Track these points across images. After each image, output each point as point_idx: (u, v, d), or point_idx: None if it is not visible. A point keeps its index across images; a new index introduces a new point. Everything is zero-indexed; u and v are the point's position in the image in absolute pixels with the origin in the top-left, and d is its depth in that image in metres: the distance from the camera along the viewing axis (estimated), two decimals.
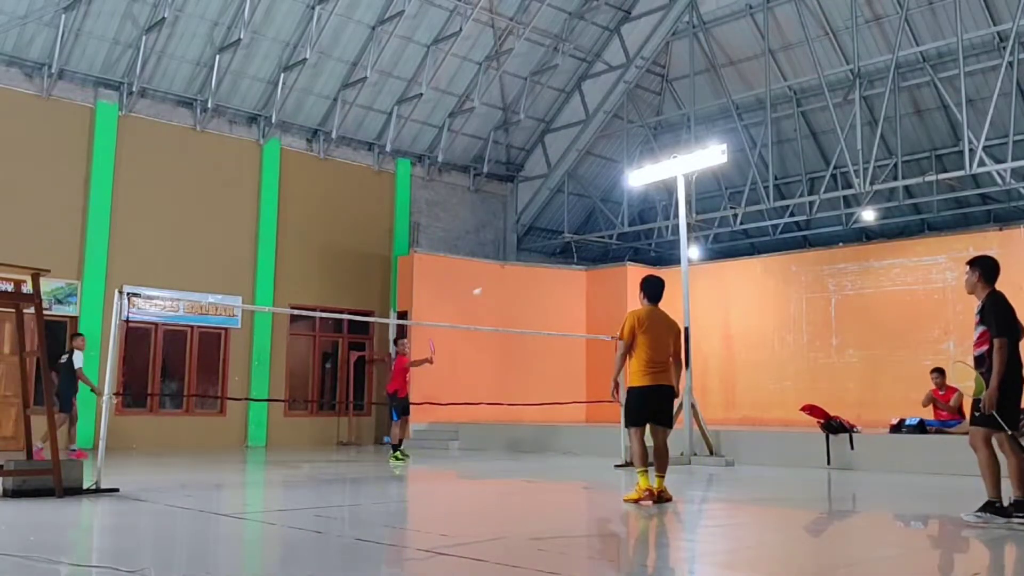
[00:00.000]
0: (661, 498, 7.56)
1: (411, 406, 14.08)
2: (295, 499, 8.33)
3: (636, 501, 7.53)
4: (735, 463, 12.32)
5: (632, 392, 7.86)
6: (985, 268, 6.61)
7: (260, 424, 17.39)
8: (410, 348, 14.27)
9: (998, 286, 6.55)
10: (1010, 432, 6.29)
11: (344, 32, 17.86)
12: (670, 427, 8.01)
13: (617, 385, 8.17)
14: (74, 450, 12.87)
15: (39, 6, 15.08)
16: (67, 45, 15.64)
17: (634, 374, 7.82)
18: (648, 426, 7.91)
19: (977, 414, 6.38)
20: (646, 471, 7.61)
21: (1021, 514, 6.23)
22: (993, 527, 6.11)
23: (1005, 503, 6.30)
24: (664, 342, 7.81)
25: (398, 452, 13.44)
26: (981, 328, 6.48)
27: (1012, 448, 6.32)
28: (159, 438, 15.73)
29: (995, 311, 6.40)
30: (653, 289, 8.03)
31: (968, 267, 6.73)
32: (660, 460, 7.79)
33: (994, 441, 6.37)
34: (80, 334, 13.53)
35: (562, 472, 11.22)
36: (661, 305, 8.05)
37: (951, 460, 11.19)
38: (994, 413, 6.23)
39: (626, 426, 7.91)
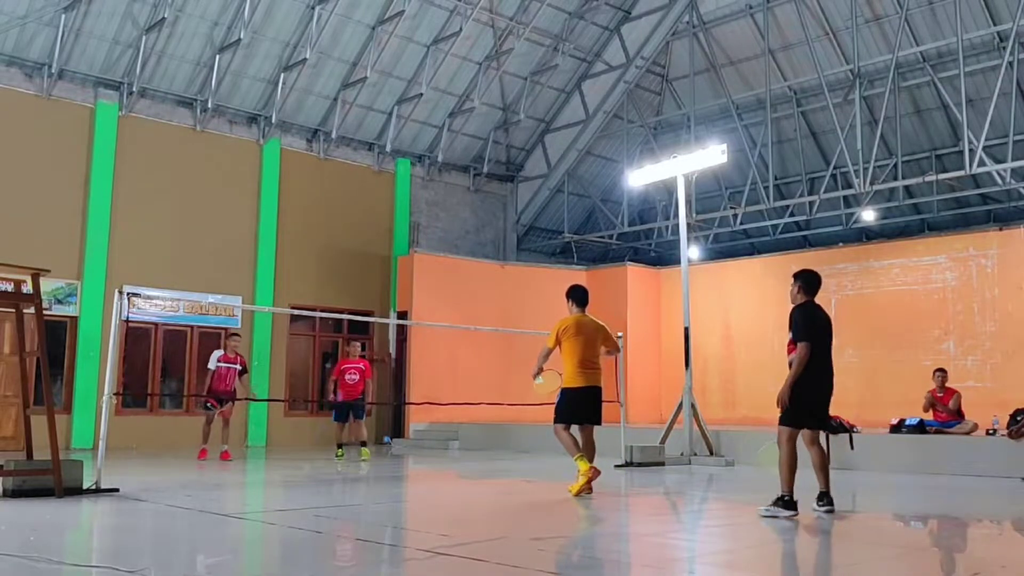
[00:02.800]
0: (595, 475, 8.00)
1: (410, 407, 14.12)
2: (295, 499, 8.32)
3: (588, 482, 7.90)
4: (735, 463, 12.32)
5: (567, 393, 8.34)
6: (806, 282, 7.11)
7: (260, 424, 17.39)
8: (357, 351, 14.27)
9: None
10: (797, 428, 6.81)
11: (344, 32, 17.86)
12: (599, 424, 8.46)
13: (539, 371, 8.65)
14: (223, 449, 12.82)
15: (39, 6, 15.09)
16: (67, 45, 15.64)
17: (569, 376, 8.35)
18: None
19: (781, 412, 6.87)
20: (583, 455, 8.05)
21: (823, 503, 6.80)
22: (782, 519, 6.49)
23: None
24: (593, 343, 8.44)
25: (340, 450, 13.90)
26: (791, 336, 6.95)
27: (813, 443, 6.92)
28: (159, 438, 15.72)
29: (798, 320, 6.92)
30: (580, 295, 8.78)
31: (792, 279, 7.22)
32: (590, 451, 8.23)
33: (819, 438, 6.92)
34: (235, 334, 13.66)
35: (562, 472, 11.18)
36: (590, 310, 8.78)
37: (951, 460, 11.22)
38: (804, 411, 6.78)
39: (554, 422, 8.34)
